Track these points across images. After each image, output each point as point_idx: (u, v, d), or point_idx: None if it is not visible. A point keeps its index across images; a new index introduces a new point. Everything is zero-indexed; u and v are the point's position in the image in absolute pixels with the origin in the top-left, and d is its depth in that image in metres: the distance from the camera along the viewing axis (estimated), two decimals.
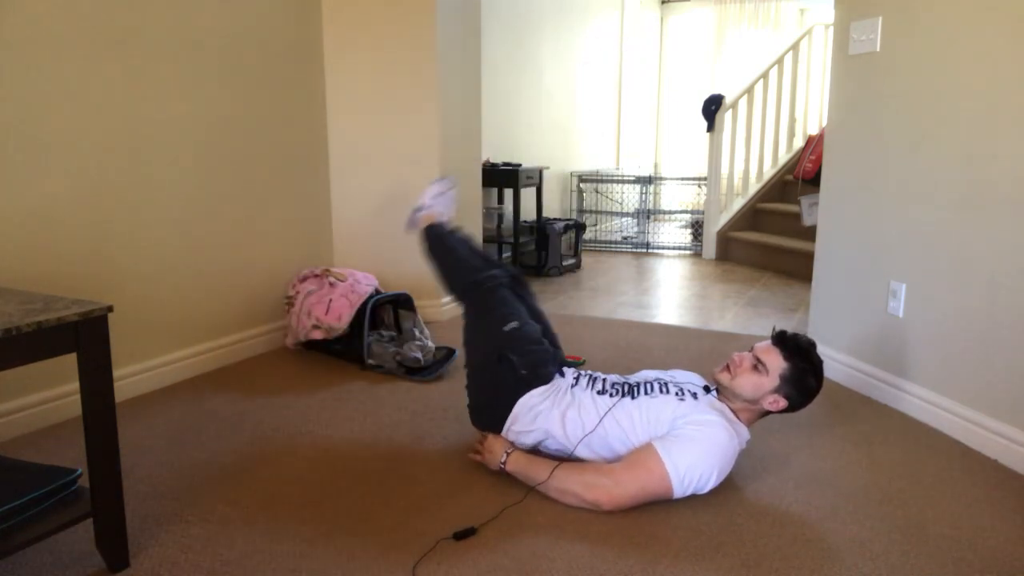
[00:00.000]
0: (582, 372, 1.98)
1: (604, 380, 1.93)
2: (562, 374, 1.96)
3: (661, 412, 1.75)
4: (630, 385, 1.87)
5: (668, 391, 1.81)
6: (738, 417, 1.79)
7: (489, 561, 1.48)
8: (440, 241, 2.34)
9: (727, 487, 1.78)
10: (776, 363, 1.76)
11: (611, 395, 1.84)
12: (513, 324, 1.98)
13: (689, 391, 1.82)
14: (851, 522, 1.66)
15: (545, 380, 1.90)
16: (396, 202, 3.28)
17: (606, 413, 1.78)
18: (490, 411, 1.92)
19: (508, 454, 1.80)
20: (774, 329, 1.86)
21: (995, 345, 2.01)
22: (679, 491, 1.67)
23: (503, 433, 1.88)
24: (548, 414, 1.83)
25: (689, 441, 1.68)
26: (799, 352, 1.77)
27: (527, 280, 2.24)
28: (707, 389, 1.85)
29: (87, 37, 2.19)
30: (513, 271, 2.20)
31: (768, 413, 1.82)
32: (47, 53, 2.09)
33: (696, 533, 1.59)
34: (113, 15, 2.26)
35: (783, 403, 1.78)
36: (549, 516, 1.65)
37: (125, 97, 2.33)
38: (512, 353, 1.91)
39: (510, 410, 1.86)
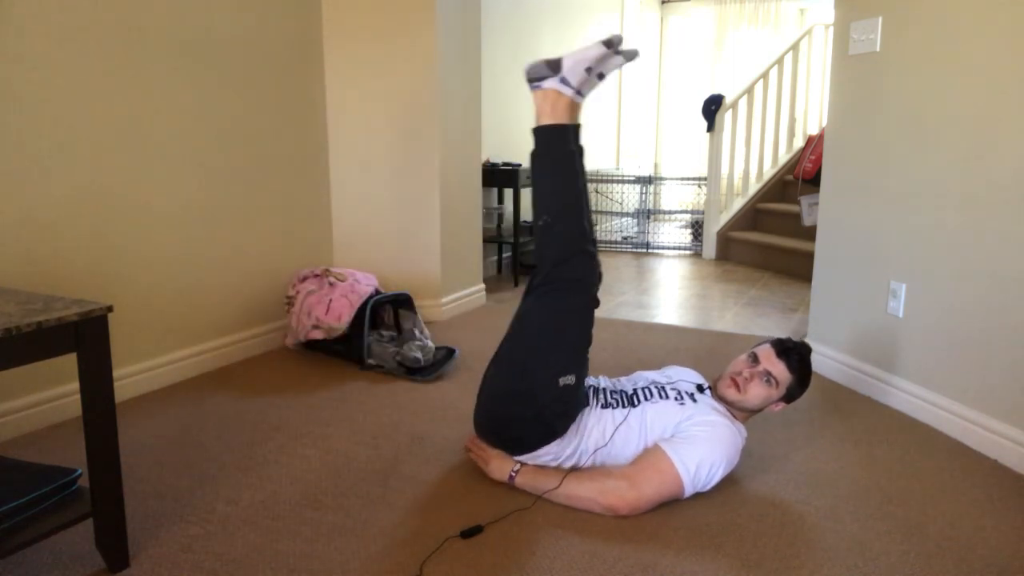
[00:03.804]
0: (586, 384, 1.88)
1: (605, 391, 1.87)
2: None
3: (664, 418, 1.76)
4: (628, 395, 1.85)
5: (667, 396, 1.82)
6: (735, 416, 1.83)
7: (489, 561, 1.48)
8: (572, 165, 1.77)
9: (727, 487, 1.79)
10: (784, 375, 1.80)
11: (613, 407, 1.80)
12: (569, 380, 1.69)
13: (686, 392, 1.84)
14: (851, 522, 1.66)
15: (569, 425, 1.75)
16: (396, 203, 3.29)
17: (615, 430, 1.75)
18: (504, 443, 1.80)
19: (517, 470, 1.76)
20: (778, 341, 1.87)
21: (995, 345, 2.01)
22: (690, 489, 1.68)
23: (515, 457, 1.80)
24: (561, 447, 1.76)
25: (696, 440, 1.70)
26: (802, 362, 1.82)
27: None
28: (701, 388, 1.87)
29: (87, 38, 2.19)
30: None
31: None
32: (47, 55, 2.09)
33: (696, 533, 1.59)
34: (112, 16, 2.26)
35: (783, 406, 1.85)
36: (549, 516, 1.65)
37: (125, 97, 2.33)
38: (550, 411, 1.70)
39: (529, 451, 1.76)
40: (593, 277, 1.76)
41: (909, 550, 1.54)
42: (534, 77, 1.78)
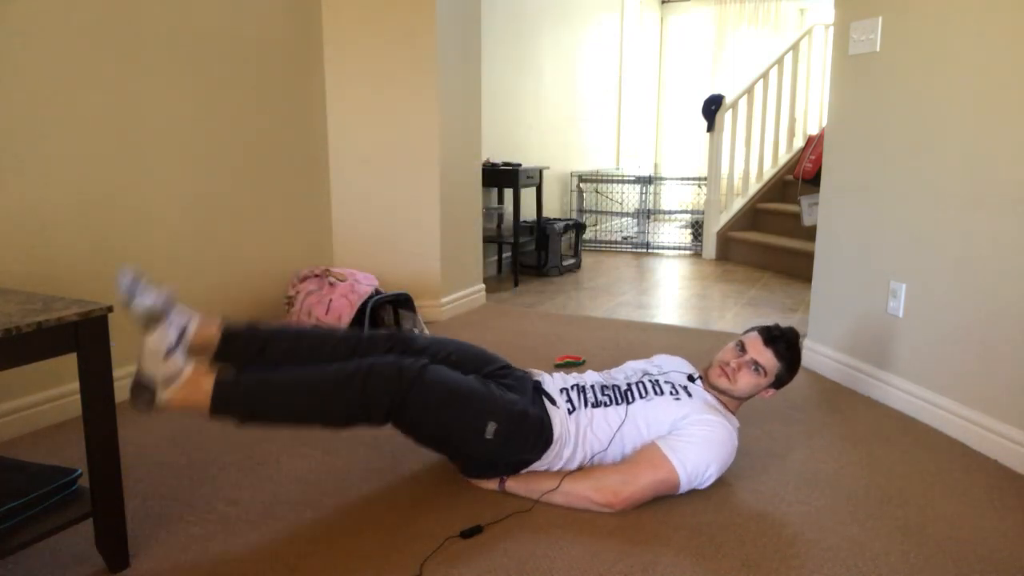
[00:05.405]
0: (568, 384, 1.86)
1: (593, 388, 1.84)
2: (552, 400, 1.78)
3: (661, 415, 1.77)
4: (622, 391, 1.83)
5: (662, 391, 1.82)
6: (727, 407, 1.86)
7: (489, 561, 1.48)
8: (264, 387, 1.56)
9: (727, 487, 1.79)
10: (772, 363, 1.83)
11: (606, 405, 1.79)
12: (492, 426, 1.61)
13: (680, 385, 1.84)
14: (851, 522, 1.66)
15: (551, 437, 1.71)
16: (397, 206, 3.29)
17: (614, 434, 1.74)
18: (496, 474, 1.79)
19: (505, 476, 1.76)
20: (765, 328, 1.88)
21: (995, 345, 2.01)
22: (686, 484, 1.70)
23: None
24: (560, 458, 1.75)
25: (693, 438, 1.71)
26: (790, 349, 1.85)
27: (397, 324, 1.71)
28: (692, 378, 1.89)
29: (86, 39, 2.19)
30: (382, 331, 1.71)
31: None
32: (47, 55, 2.09)
33: (696, 533, 1.59)
34: (112, 16, 2.26)
35: (773, 392, 1.88)
36: (549, 516, 1.65)
37: (125, 98, 2.33)
38: (516, 455, 1.71)
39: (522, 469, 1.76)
40: (392, 395, 1.57)
41: (909, 550, 1.54)
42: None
